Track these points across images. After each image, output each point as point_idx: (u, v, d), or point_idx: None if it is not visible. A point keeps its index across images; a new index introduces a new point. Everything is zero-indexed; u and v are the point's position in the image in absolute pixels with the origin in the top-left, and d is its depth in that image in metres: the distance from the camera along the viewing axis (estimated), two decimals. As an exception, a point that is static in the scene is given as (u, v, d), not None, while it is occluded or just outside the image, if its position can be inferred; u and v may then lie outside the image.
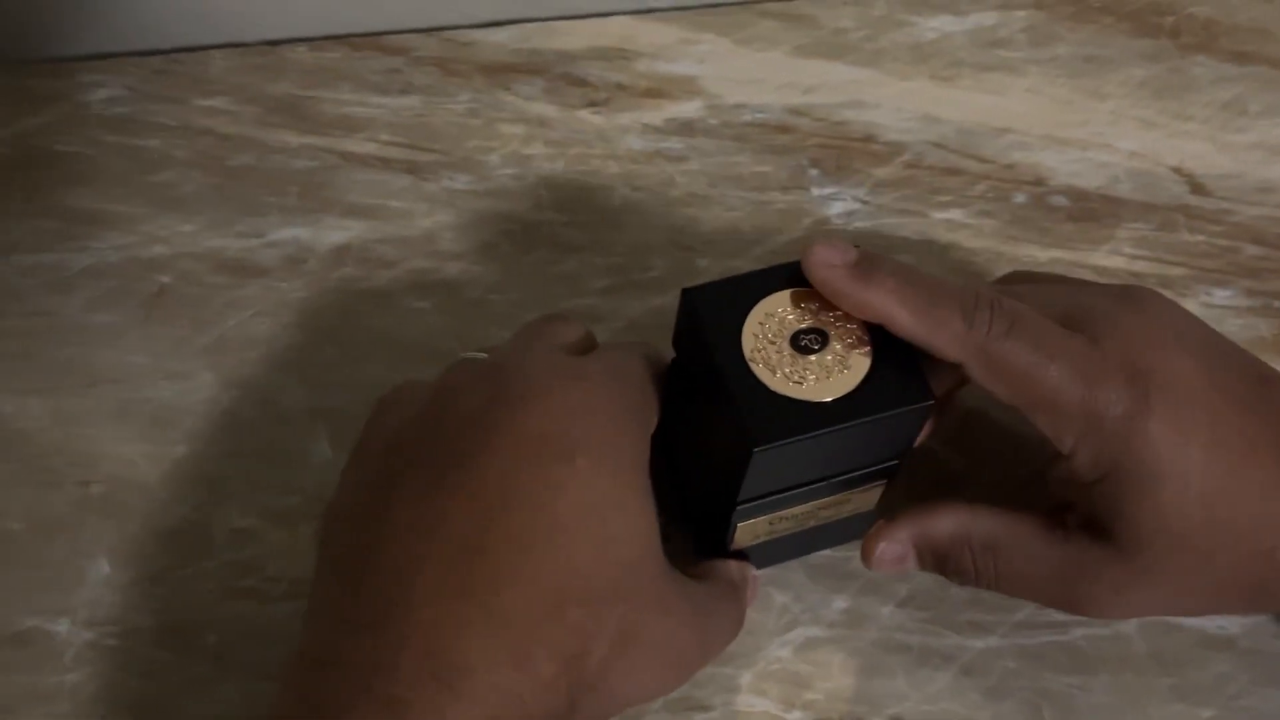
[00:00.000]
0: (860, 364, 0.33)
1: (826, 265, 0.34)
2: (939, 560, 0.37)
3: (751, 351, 0.33)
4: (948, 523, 0.37)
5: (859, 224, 0.47)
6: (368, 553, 0.31)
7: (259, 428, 0.42)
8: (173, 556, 0.40)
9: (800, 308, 0.34)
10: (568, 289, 0.45)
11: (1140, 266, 0.47)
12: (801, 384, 0.33)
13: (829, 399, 0.32)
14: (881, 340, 0.33)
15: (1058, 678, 0.38)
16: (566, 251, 0.46)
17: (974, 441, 0.43)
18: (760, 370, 0.33)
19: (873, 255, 0.34)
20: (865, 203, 0.48)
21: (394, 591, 0.30)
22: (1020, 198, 0.49)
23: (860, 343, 0.33)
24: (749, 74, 0.51)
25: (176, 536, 0.40)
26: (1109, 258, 0.48)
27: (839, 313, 0.34)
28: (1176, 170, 0.50)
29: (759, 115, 0.50)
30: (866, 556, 0.37)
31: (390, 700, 0.28)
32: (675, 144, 0.49)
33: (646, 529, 0.32)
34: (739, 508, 0.34)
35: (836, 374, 0.33)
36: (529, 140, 0.49)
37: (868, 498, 0.37)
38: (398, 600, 0.29)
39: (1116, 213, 0.48)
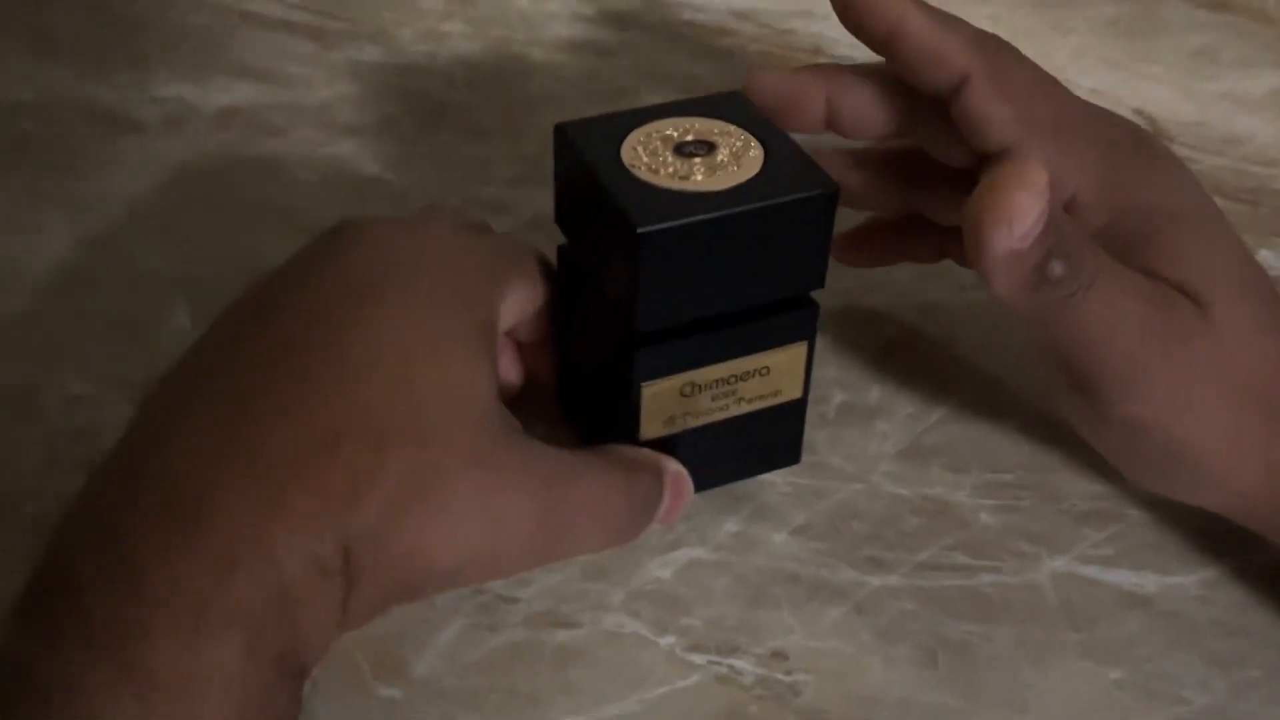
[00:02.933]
0: (753, 164, 0.31)
1: None
2: (1080, 229, 0.31)
3: (632, 161, 0.31)
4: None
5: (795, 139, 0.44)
6: (151, 404, 0.27)
7: (113, 291, 0.38)
8: (-2, 418, 0.36)
9: (683, 129, 0.32)
10: (472, 176, 0.42)
11: (1089, 206, 0.44)
12: (688, 179, 0.30)
13: (719, 189, 0.30)
14: (775, 144, 0.32)
15: (958, 624, 0.35)
16: (474, 136, 0.43)
17: (893, 366, 0.40)
18: (642, 173, 0.30)
19: None
20: (803, 115, 0.45)
21: (158, 433, 0.27)
22: (969, 125, 0.45)
23: (751, 148, 0.32)
24: (693, -29, 0.47)
25: (4, 398, 0.36)
26: (1057, 194, 0.44)
27: (724, 127, 0.32)
28: (1138, 113, 0.47)
29: (700, 15, 0.46)
30: (985, 233, 0.29)
31: (121, 544, 0.25)
32: (606, 35, 0.45)
33: (463, 373, 0.28)
34: (640, 353, 0.31)
35: (727, 170, 0.31)
36: (448, 17, 0.45)
37: (788, 366, 0.33)
38: (158, 442, 0.26)
39: (1070, 149, 0.45)
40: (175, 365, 0.30)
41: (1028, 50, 0.48)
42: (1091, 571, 0.37)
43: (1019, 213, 0.29)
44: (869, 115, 0.35)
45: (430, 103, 0.43)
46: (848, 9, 0.33)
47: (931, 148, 0.36)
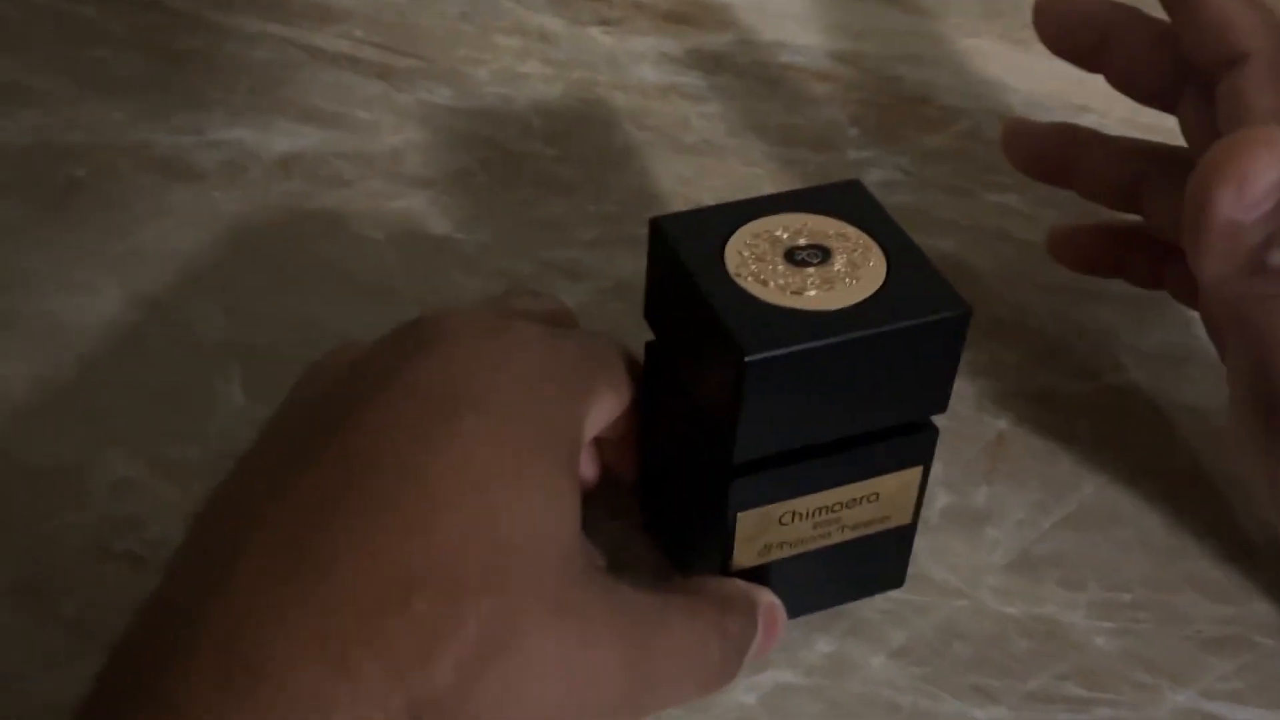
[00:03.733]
0: (874, 276, 0.28)
1: None
2: None
3: (737, 268, 0.28)
4: None
5: (898, 198, 0.41)
6: (208, 528, 0.25)
7: (165, 359, 0.36)
8: (39, 503, 0.34)
9: (794, 229, 0.29)
10: (549, 236, 0.39)
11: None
12: (800, 294, 0.27)
13: (835, 308, 0.27)
14: (899, 253, 0.28)
15: (1070, 765, 0.32)
16: (553, 191, 0.39)
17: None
18: (749, 284, 0.27)
19: None
20: (909, 174, 0.41)
21: (214, 572, 0.24)
22: (1090, 188, 0.42)
23: (871, 255, 0.28)
24: (793, 9, 0.44)
25: (47, 479, 0.34)
26: (1185, 269, 0.41)
27: (839, 227, 0.29)
28: (1274, 176, 0.43)
29: (798, 58, 0.43)
30: (1229, 171, 0.26)
31: (165, 702, 0.22)
32: (695, 80, 0.42)
33: (547, 508, 0.26)
34: (737, 482, 0.28)
35: (844, 284, 0.27)
36: (525, 56, 0.42)
37: (899, 492, 0.30)
38: (214, 582, 0.24)
39: (1199, 217, 0.41)
40: (227, 482, 0.27)
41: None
42: (1218, 708, 0.33)
43: (1253, 173, 0.26)
44: (1141, 62, 0.34)
45: (505, 153, 0.40)
46: None
47: (1186, 126, 0.34)
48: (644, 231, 0.39)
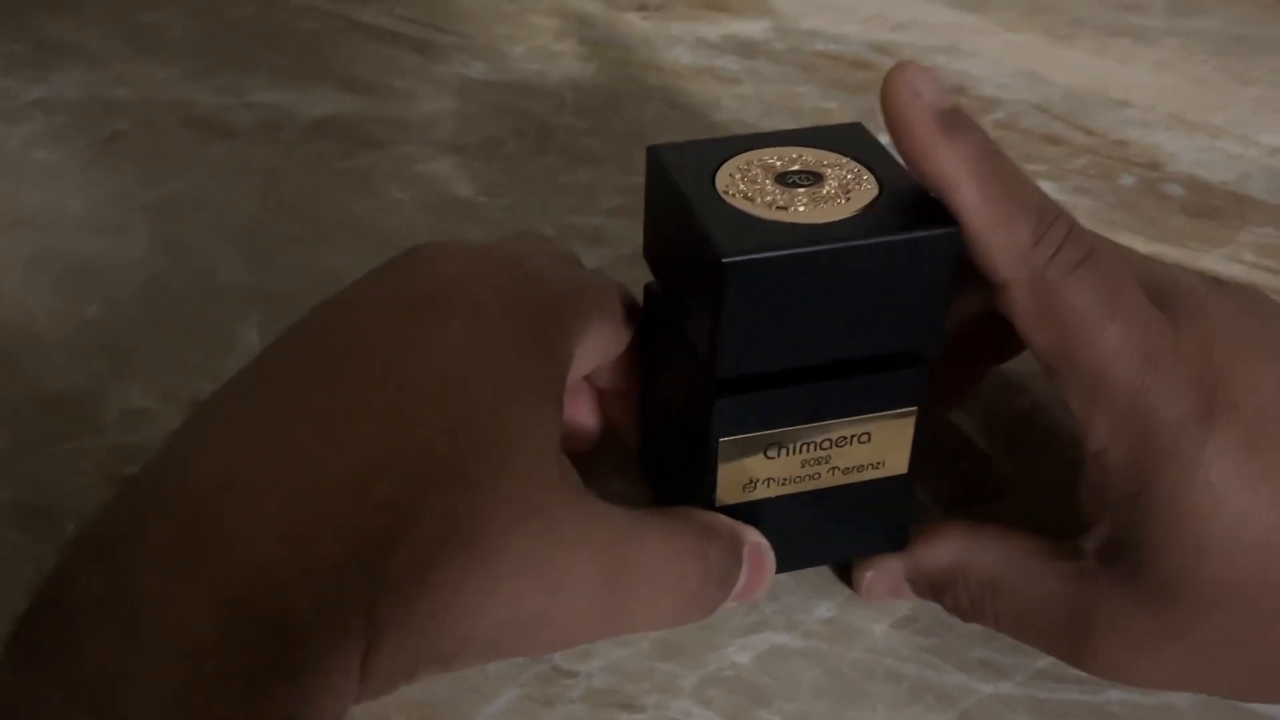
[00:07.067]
0: (863, 197, 0.27)
1: (911, 92, 0.26)
2: (936, 591, 0.31)
3: (726, 187, 0.27)
4: (943, 552, 0.31)
5: (928, 180, 0.40)
6: (185, 425, 0.25)
7: (186, 300, 0.36)
8: (52, 427, 0.34)
9: (789, 158, 0.29)
10: (574, 203, 0.39)
11: (1261, 278, 0.39)
12: (787, 209, 0.27)
13: (820, 221, 0.26)
14: (892, 179, 0.28)
15: (1080, 748, 0.31)
16: (580, 162, 0.40)
17: (1025, 440, 0.35)
18: (736, 200, 0.27)
19: (965, 114, 0.27)
20: (941, 159, 0.41)
21: (183, 454, 0.24)
22: (1128, 180, 0.41)
23: (863, 181, 0.28)
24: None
25: (62, 406, 0.35)
26: (1224, 263, 0.39)
27: (835, 159, 0.28)
28: (1325, 179, 0.42)
29: (834, 46, 0.43)
30: (856, 584, 0.32)
31: (122, 574, 0.22)
32: (730, 64, 0.42)
33: (526, 413, 0.25)
34: (720, 402, 0.27)
35: (833, 203, 0.27)
36: (562, 36, 0.42)
37: (893, 437, 0.29)
38: (180, 462, 0.24)
39: (1242, 213, 0.40)
40: (222, 386, 0.27)
41: (1203, 99, 0.43)
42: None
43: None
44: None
45: (536, 125, 0.40)
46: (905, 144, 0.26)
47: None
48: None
